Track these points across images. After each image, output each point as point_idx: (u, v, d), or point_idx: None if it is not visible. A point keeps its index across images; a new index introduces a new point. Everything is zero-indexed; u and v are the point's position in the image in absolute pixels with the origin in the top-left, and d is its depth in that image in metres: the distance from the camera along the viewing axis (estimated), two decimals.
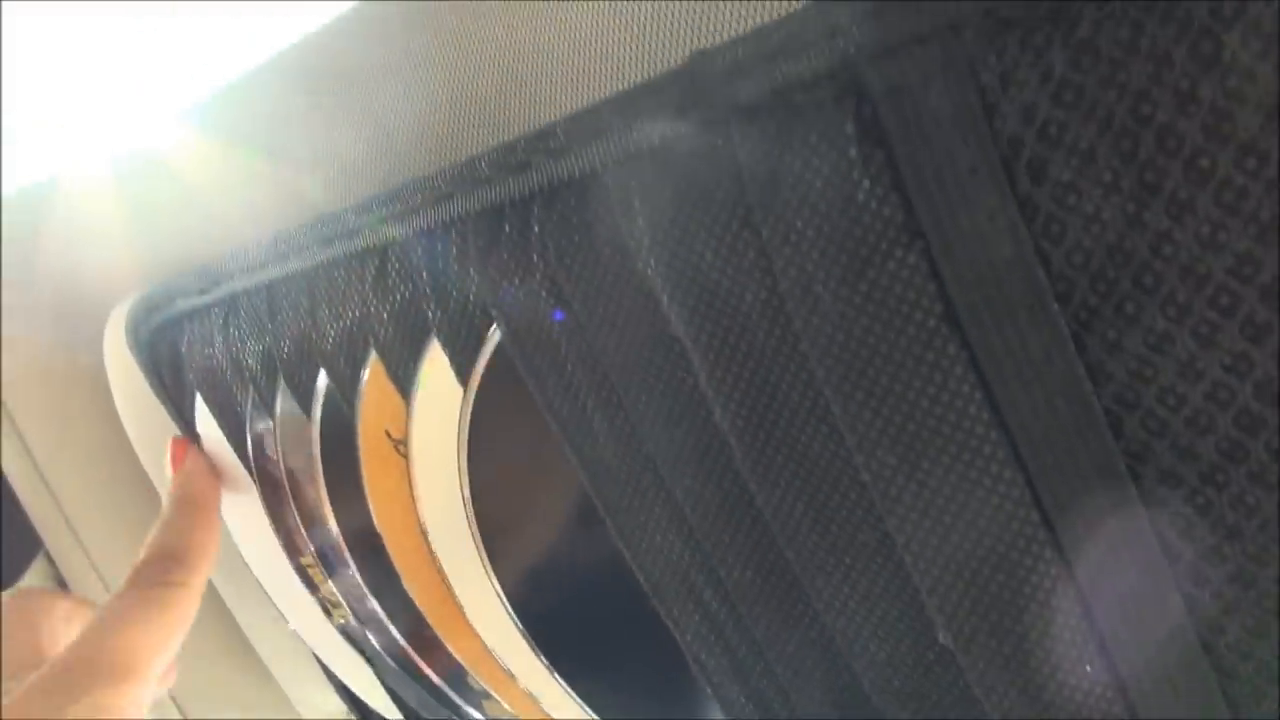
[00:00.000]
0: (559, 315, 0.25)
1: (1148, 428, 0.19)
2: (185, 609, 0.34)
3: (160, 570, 0.35)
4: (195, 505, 0.39)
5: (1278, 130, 0.15)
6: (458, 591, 0.33)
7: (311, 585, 0.42)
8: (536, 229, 0.24)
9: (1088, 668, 0.21)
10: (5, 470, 0.59)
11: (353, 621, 0.41)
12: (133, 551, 0.64)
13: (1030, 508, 0.20)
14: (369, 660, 0.43)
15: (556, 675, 0.32)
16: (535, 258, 0.24)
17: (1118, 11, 0.16)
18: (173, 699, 0.70)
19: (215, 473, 0.40)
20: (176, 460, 0.41)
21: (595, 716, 0.32)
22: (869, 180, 0.19)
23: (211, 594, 0.59)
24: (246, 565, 0.49)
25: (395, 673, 0.41)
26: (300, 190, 0.34)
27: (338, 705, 0.58)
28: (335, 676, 0.50)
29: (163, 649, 0.32)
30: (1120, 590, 0.20)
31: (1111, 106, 0.16)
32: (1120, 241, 0.17)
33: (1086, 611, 0.20)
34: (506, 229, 0.25)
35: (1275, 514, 0.18)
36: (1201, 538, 0.19)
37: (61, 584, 0.65)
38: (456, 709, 0.40)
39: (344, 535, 0.37)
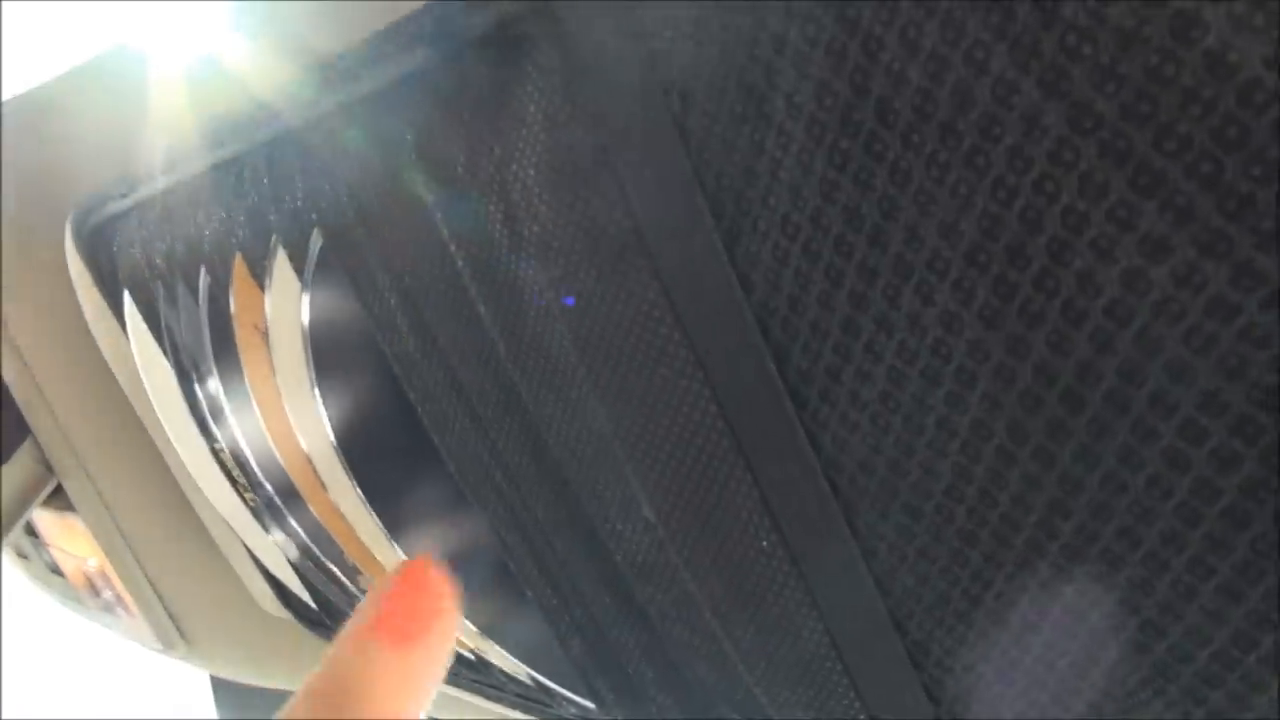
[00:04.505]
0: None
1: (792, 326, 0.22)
2: None
3: None
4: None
5: None
6: (318, 467, 0.37)
7: (225, 469, 0.46)
8: (343, 154, 0.27)
9: (763, 543, 0.24)
10: None
11: (258, 503, 0.45)
12: (108, 436, 0.69)
13: (709, 401, 0.23)
14: (275, 539, 0.47)
15: (389, 535, 0.36)
16: (343, 175, 0.28)
17: None
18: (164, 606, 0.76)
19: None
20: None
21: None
22: (571, 106, 0.22)
23: (181, 498, 0.65)
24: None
25: (296, 553, 0.46)
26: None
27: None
28: (260, 563, 0.55)
29: None
30: (776, 458, 0.23)
31: (725, 45, 0.19)
32: (758, 148, 0.20)
33: (755, 483, 0.24)
34: (322, 142, 0.28)
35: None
36: (830, 385, 0.22)
37: (48, 466, 0.71)
38: (340, 584, 0.44)
39: (237, 421, 0.41)
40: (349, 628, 0.22)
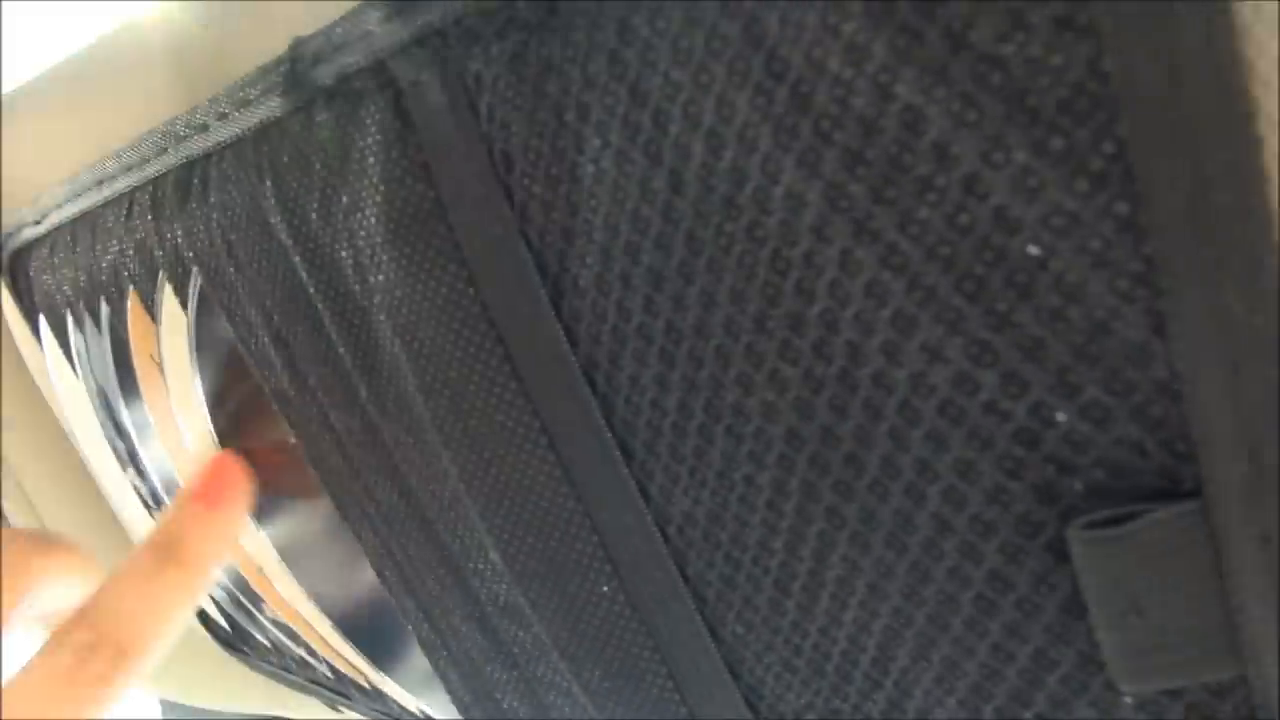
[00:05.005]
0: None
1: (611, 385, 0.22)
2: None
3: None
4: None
5: None
6: None
7: (138, 493, 0.47)
8: (213, 195, 0.28)
9: (603, 588, 0.25)
10: None
11: None
12: (43, 454, 0.69)
13: (546, 449, 0.24)
14: None
15: (283, 562, 0.37)
16: (214, 216, 0.28)
17: (539, 36, 0.19)
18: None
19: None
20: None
21: (319, 609, 0.37)
22: (406, 160, 0.22)
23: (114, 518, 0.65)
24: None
25: None
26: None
27: None
28: None
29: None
30: (610, 506, 0.24)
31: (536, 109, 0.20)
32: (572, 209, 0.21)
33: (594, 529, 0.24)
34: (195, 183, 0.29)
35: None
36: (658, 453, 0.23)
37: None
38: (249, 614, 0.45)
39: (141, 447, 0.41)
40: (178, 496, 0.32)
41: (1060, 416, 0.16)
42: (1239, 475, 0.15)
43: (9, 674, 0.27)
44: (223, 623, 0.52)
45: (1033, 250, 0.15)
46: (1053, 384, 0.16)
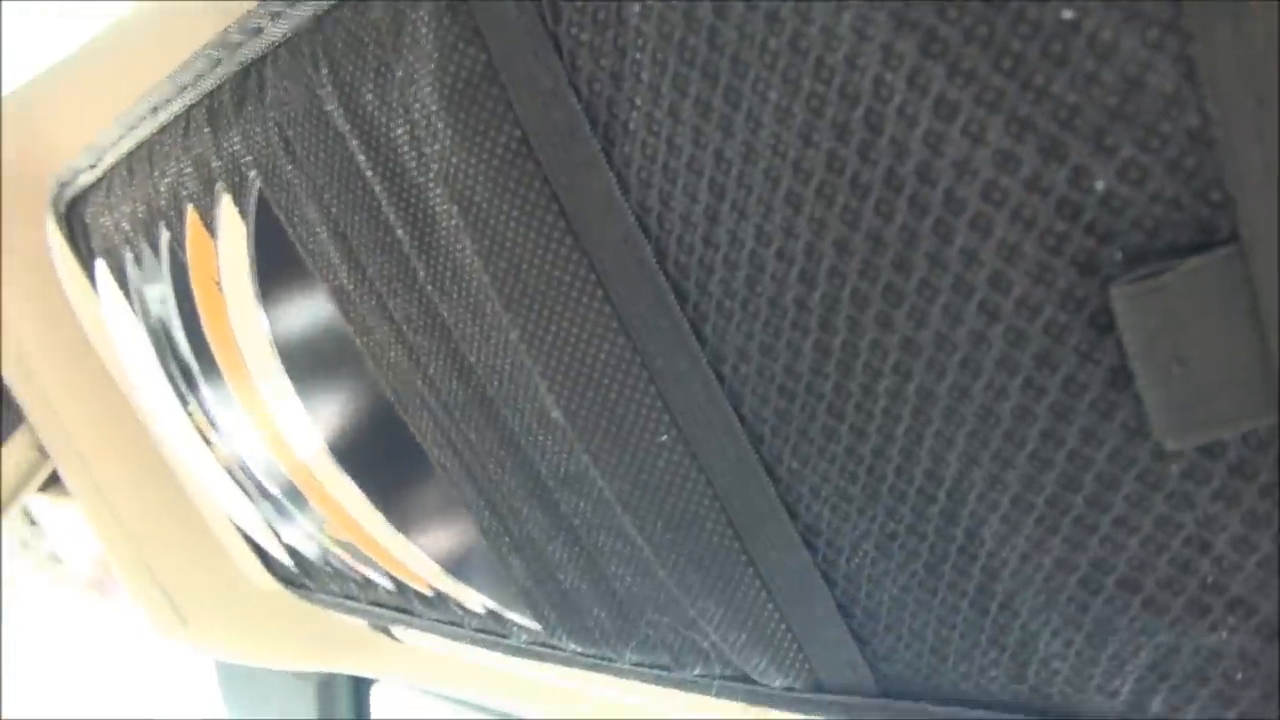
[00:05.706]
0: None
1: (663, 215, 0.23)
2: None
3: None
4: None
5: None
6: (275, 416, 0.39)
7: (200, 432, 0.48)
8: (270, 94, 0.29)
9: (662, 437, 0.26)
10: None
11: (231, 462, 0.47)
12: (100, 419, 0.71)
13: (601, 300, 0.25)
14: (250, 497, 0.49)
15: (343, 469, 0.38)
16: (271, 115, 0.30)
17: None
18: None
19: None
20: None
21: (381, 512, 0.38)
22: (458, 25, 0.24)
23: (172, 477, 0.67)
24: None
25: (267, 505, 0.48)
26: None
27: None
28: (242, 530, 0.57)
29: None
30: (666, 351, 0.25)
31: None
32: (620, 52, 0.22)
33: (652, 379, 0.25)
34: (251, 85, 0.30)
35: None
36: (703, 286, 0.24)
37: (41, 450, 0.73)
38: (313, 536, 0.46)
39: (203, 377, 0.43)
40: None
41: (1099, 184, 0.17)
42: (1272, 212, 0.16)
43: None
44: (286, 559, 0.54)
45: (1066, 14, 0.16)
46: (1091, 149, 0.17)
